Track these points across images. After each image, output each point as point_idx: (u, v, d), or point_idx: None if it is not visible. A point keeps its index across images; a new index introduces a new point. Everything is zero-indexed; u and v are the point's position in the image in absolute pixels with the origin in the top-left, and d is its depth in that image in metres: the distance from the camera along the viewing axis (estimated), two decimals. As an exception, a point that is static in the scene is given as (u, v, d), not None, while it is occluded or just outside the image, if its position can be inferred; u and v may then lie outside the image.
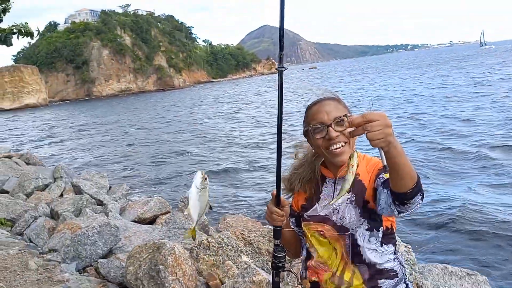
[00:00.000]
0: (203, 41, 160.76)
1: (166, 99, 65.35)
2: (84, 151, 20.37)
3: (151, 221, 7.82)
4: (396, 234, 1.83)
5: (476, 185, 8.71)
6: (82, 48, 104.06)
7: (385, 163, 1.37)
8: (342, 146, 1.69)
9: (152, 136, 23.60)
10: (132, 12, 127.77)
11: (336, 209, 1.74)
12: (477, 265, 5.39)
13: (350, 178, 1.50)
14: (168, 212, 8.02)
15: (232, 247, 4.40)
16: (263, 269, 4.20)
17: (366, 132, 1.31)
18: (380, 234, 1.72)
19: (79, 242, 5.17)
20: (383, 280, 1.72)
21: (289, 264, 1.94)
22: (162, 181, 12.35)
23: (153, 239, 5.73)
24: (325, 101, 1.77)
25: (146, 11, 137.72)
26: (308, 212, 1.83)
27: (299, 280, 1.94)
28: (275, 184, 1.85)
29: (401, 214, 1.51)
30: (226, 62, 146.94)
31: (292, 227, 1.94)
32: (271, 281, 3.79)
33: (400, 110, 21.11)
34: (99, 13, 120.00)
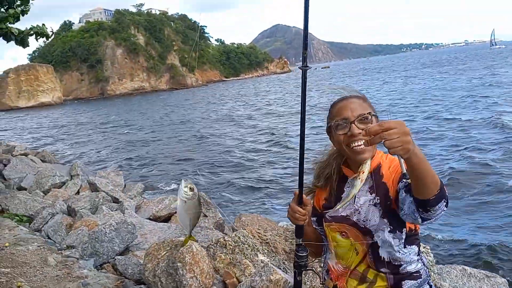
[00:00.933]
0: (215, 40, 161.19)
1: (181, 97, 65.61)
2: (98, 149, 20.58)
3: (166, 219, 7.86)
4: (418, 237, 1.79)
5: (497, 183, 8.64)
6: (96, 47, 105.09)
7: (405, 171, 1.37)
8: (363, 144, 1.67)
9: (166, 135, 23.75)
10: (145, 12, 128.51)
11: (358, 210, 1.73)
12: (496, 266, 5.33)
13: (358, 184, 1.52)
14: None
15: (249, 246, 4.41)
16: (280, 268, 4.21)
17: (383, 140, 1.30)
18: (404, 236, 1.70)
19: (96, 239, 5.24)
20: (406, 281, 1.71)
21: (310, 263, 1.92)
22: (177, 180, 12.42)
23: (169, 237, 5.78)
24: (350, 98, 1.76)
25: (159, 11, 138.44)
26: (330, 212, 1.82)
27: (322, 280, 1.93)
28: (297, 183, 1.84)
29: (425, 222, 1.49)
30: (238, 61, 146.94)
31: (314, 226, 1.93)
32: (288, 280, 3.80)
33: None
34: (113, 12, 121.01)
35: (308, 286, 3.66)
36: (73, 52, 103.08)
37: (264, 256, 4.40)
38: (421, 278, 1.74)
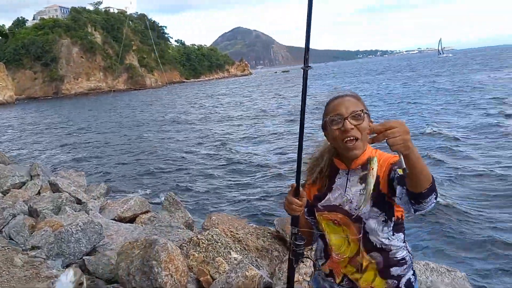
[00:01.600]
0: (175, 41, 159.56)
1: (140, 98, 64.51)
2: (56, 150, 19.95)
3: (131, 220, 7.76)
4: (403, 225, 1.92)
5: (455, 183, 9.11)
6: (51, 45, 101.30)
7: (404, 166, 1.46)
8: (355, 140, 1.78)
9: (126, 136, 23.33)
10: (103, 10, 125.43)
11: (349, 199, 1.84)
12: (457, 262, 5.64)
13: (371, 181, 1.60)
14: (148, 211, 7.98)
15: (222, 244, 4.47)
16: (253, 265, 4.28)
17: (386, 138, 1.41)
18: (392, 224, 1.83)
19: (62, 240, 5.12)
20: (394, 268, 1.84)
21: (307, 252, 2.01)
22: (140, 181, 12.26)
23: (135, 237, 5.73)
24: (345, 97, 1.87)
25: (118, 9, 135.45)
26: (322, 202, 1.92)
27: (317, 267, 2.02)
28: (294, 176, 1.92)
29: (417, 213, 1.61)
30: (199, 63, 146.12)
31: (305, 216, 2.03)
32: (263, 276, 3.89)
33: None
34: (69, 10, 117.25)
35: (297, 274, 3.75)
36: (27, 49, 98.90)
37: (237, 253, 4.47)
38: (407, 264, 1.87)
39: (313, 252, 2.12)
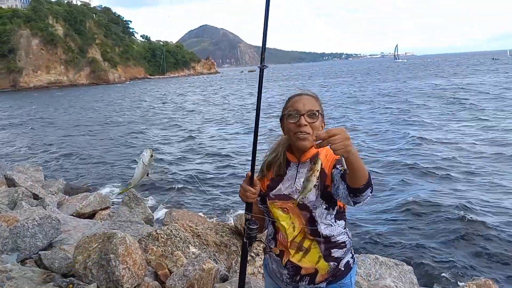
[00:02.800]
0: (141, 36, 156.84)
1: (101, 93, 63.09)
2: (13, 144, 19.29)
3: (90, 216, 7.69)
4: (345, 214, 2.14)
5: (407, 179, 9.57)
6: (9, 35, 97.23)
7: (345, 167, 1.66)
8: (307, 133, 1.98)
9: (88, 131, 22.87)
10: (66, 2, 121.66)
11: (298, 190, 2.02)
12: (404, 256, 5.95)
13: (313, 180, 1.79)
14: (108, 207, 7.93)
15: (181, 239, 4.53)
16: (211, 259, 4.37)
17: (330, 144, 1.59)
18: (334, 212, 2.04)
19: (18, 234, 5.04)
20: (335, 249, 2.05)
21: (259, 235, 2.17)
22: (101, 177, 12.08)
23: (93, 233, 5.71)
24: (305, 95, 2.07)
25: (81, 2, 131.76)
26: (273, 191, 2.11)
27: (268, 249, 2.20)
28: (249, 167, 2.13)
29: (356, 205, 1.81)
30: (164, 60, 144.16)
31: (258, 205, 2.20)
32: (220, 269, 3.99)
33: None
34: (29, 0, 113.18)
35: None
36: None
37: (196, 248, 4.55)
38: (346, 247, 2.10)
39: (264, 237, 2.28)
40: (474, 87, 33.62)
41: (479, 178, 9.55)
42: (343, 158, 1.64)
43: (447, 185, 9.23)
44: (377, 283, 3.87)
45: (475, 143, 13.17)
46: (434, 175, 10.01)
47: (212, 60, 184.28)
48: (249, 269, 3.85)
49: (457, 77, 50.02)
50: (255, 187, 2.06)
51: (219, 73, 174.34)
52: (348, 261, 2.10)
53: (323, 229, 2.02)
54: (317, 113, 1.99)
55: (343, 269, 2.08)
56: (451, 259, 5.89)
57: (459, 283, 5.15)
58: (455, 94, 28.47)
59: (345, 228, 2.11)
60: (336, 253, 2.05)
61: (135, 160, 14.43)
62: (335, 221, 2.05)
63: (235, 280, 3.70)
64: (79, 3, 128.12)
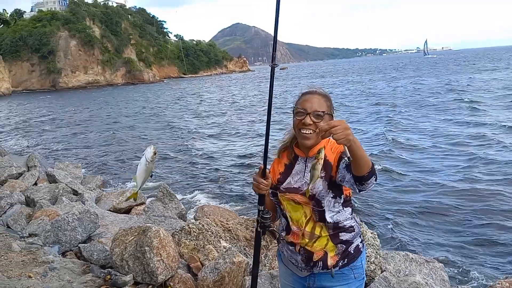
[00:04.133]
0: (174, 36, 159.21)
1: (137, 92, 64.57)
2: (53, 142, 20.08)
3: (127, 211, 7.96)
4: (352, 201, 2.28)
5: (438, 178, 9.40)
6: (48, 37, 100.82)
7: (349, 155, 1.81)
8: (310, 133, 2.11)
9: (125, 129, 23.50)
10: (102, 3, 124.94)
11: (307, 182, 2.14)
12: (435, 254, 5.89)
13: (319, 168, 1.95)
14: (143, 203, 8.19)
15: (212, 233, 4.66)
16: (241, 253, 4.48)
17: (332, 134, 1.75)
18: (341, 201, 2.18)
19: (59, 228, 5.30)
20: (343, 233, 2.19)
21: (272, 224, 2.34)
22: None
23: (130, 227, 5.93)
24: (315, 94, 2.19)
25: (116, 3, 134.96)
26: (284, 184, 2.25)
27: (282, 237, 2.33)
28: (261, 163, 2.27)
29: (361, 192, 1.96)
30: (197, 58, 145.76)
31: (270, 197, 2.33)
32: (250, 262, 4.09)
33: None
34: (67, 2, 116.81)
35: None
36: (24, 41, 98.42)
37: (226, 242, 4.67)
38: (354, 231, 2.23)
39: (276, 227, 2.42)
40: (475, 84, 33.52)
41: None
42: (346, 148, 1.79)
43: (479, 184, 9.01)
44: (406, 279, 3.87)
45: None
46: (466, 175, 9.77)
47: (244, 58, 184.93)
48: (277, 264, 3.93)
49: (474, 73, 48.92)
50: (267, 180, 2.21)
51: (252, 71, 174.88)
52: (357, 245, 2.24)
53: (331, 216, 2.16)
54: (322, 114, 2.11)
55: (353, 252, 2.20)
56: (482, 257, 5.82)
57: (490, 280, 5.06)
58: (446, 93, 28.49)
59: (352, 214, 2.25)
60: (344, 236, 2.19)
61: (165, 155, 14.82)
62: (343, 208, 2.19)
63: (264, 273, 3.79)
64: (115, 5, 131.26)
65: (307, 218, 2.18)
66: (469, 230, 6.71)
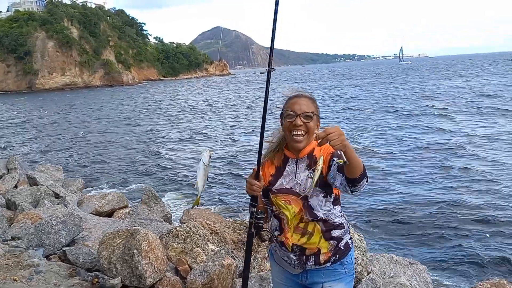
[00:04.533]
0: (154, 38, 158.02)
1: (115, 95, 63.84)
2: (33, 144, 19.72)
3: (109, 214, 7.87)
4: (340, 200, 2.36)
5: (423, 186, 9.62)
6: (25, 38, 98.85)
7: (345, 159, 1.91)
8: (301, 135, 2.21)
9: (105, 131, 23.24)
10: (80, 4, 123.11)
11: (299, 183, 2.25)
12: (419, 256, 6.03)
13: (317, 175, 2.06)
14: (126, 206, 8.10)
15: (200, 236, 4.67)
16: (229, 256, 4.50)
17: (329, 141, 1.84)
18: (331, 199, 2.27)
19: (43, 231, 5.23)
20: (334, 230, 2.29)
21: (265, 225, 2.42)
22: (118, 176, 12.31)
23: (118, 229, 5.88)
24: (302, 97, 2.28)
25: (95, 4, 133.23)
26: (276, 186, 2.32)
27: (274, 237, 2.41)
28: (255, 164, 2.32)
29: (354, 193, 2.05)
30: (177, 61, 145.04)
31: (261, 198, 2.40)
32: (239, 265, 4.12)
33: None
34: (45, 2, 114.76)
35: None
36: (0, 42, 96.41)
37: (214, 245, 4.69)
38: (344, 228, 2.33)
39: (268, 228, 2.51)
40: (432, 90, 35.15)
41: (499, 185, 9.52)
42: (342, 152, 1.90)
43: (464, 186, 9.27)
44: (392, 280, 3.97)
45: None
46: (451, 175, 10.03)
47: (225, 62, 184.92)
48: (267, 266, 3.97)
49: (433, 80, 50.90)
50: (260, 181, 2.28)
51: (233, 74, 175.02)
52: (347, 242, 2.34)
53: (323, 214, 2.25)
54: (312, 115, 2.21)
55: (343, 248, 2.31)
56: (464, 260, 5.97)
57: (473, 282, 5.20)
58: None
59: (341, 212, 2.35)
60: (335, 232, 2.28)
61: (148, 158, 14.71)
62: (333, 207, 2.28)
63: (254, 275, 3.83)
64: (93, 6, 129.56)
65: (300, 217, 2.26)
66: (450, 234, 6.88)
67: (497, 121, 17.81)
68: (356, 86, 50.12)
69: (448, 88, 37.75)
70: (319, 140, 1.87)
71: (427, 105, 25.02)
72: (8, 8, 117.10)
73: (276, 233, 2.37)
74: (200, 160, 2.38)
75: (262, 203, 2.40)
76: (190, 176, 11.86)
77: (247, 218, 6.05)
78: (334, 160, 2.11)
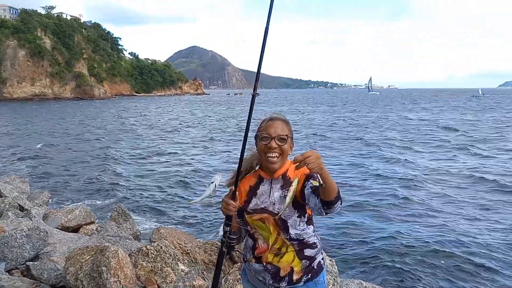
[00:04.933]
0: (129, 53, 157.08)
1: (82, 108, 62.77)
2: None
3: (74, 230, 7.66)
4: (313, 220, 2.40)
5: (393, 212, 9.85)
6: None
7: (321, 182, 1.99)
8: (276, 157, 2.27)
9: (74, 145, 22.74)
10: (56, 15, 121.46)
11: (273, 202, 2.31)
12: (387, 282, 6.12)
13: (291, 195, 2.12)
14: (93, 222, 7.91)
15: (170, 255, 4.61)
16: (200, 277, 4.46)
17: (306, 164, 1.90)
18: (305, 219, 2.33)
19: (5, 244, 5.06)
20: (307, 249, 2.34)
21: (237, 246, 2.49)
22: (85, 191, 12.02)
23: (87, 245, 5.73)
24: (277, 120, 2.35)
25: (71, 16, 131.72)
26: (250, 206, 2.36)
27: (245, 258, 2.46)
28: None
29: (328, 214, 2.10)
30: (151, 78, 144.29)
31: (236, 219, 2.45)
32: (209, 286, 4.07)
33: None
34: (19, 11, 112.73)
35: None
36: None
37: (185, 265, 4.63)
38: (317, 247, 2.38)
39: (242, 248, 2.57)
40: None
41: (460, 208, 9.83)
42: (318, 175, 1.98)
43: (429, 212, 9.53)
44: (360, 306, 4.02)
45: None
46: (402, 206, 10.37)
47: (200, 81, 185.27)
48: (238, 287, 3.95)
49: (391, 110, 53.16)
50: (236, 201, 2.31)
51: (207, 94, 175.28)
52: (319, 261, 2.39)
53: (297, 234, 2.31)
54: (286, 137, 2.28)
55: (316, 267, 2.36)
56: (433, 285, 6.11)
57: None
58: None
59: (314, 232, 2.41)
60: (308, 252, 2.33)
61: (117, 174, 14.47)
62: (307, 226, 2.34)
63: (224, 297, 3.80)
64: (69, 17, 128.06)
65: (274, 236, 2.31)
66: (422, 258, 7.05)
67: (457, 155, 18.38)
68: (322, 112, 51.82)
69: (410, 119, 38.97)
70: (297, 164, 1.92)
71: (387, 136, 25.72)
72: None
73: (248, 255, 2.42)
74: (213, 182, 2.50)
75: (236, 223, 2.43)
76: (157, 195, 11.72)
77: (218, 238, 6.02)
78: (310, 181, 2.17)
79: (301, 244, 2.32)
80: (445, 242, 7.85)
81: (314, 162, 1.90)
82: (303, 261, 2.32)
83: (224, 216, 2.40)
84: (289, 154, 2.33)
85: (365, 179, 13.48)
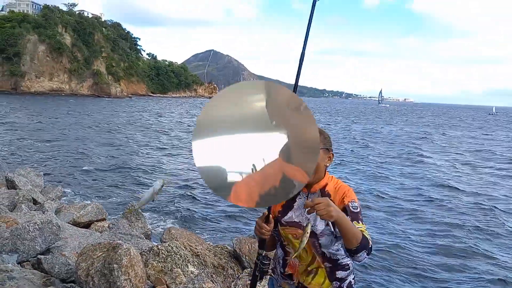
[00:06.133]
0: (147, 54, 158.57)
1: (103, 105, 63.39)
2: (14, 147, 19.28)
3: (86, 225, 7.72)
4: None
5: (393, 223, 9.72)
6: (16, 39, 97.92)
7: (333, 230, 2.05)
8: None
9: (91, 141, 22.93)
10: (77, 12, 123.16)
11: (308, 218, 2.18)
12: None
13: (304, 241, 2.01)
14: (104, 219, 7.96)
15: (181, 256, 4.61)
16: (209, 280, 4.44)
17: (315, 210, 1.90)
18: (340, 240, 2.19)
19: (18, 236, 5.10)
20: (340, 271, 2.26)
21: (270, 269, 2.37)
22: (98, 189, 12.10)
23: (90, 243, 5.75)
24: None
25: (92, 14, 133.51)
26: (285, 218, 2.29)
27: (276, 273, 2.40)
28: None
29: (353, 260, 2.09)
30: (168, 79, 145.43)
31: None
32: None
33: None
34: (41, 6, 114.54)
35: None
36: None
37: (194, 267, 4.62)
38: (350, 269, 2.30)
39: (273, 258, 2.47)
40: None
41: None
42: (330, 223, 2.03)
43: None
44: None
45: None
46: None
47: (215, 85, 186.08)
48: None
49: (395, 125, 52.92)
50: (270, 225, 2.20)
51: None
52: (350, 281, 2.31)
53: (330, 253, 2.23)
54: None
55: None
56: None
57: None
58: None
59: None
60: (340, 274, 2.26)
61: (131, 172, 14.55)
62: (341, 247, 2.24)
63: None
64: (90, 15, 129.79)
65: (307, 254, 2.24)
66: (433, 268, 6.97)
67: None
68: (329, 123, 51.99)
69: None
70: (308, 208, 1.93)
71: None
72: (2, 8, 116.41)
73: (279, 266, 2.37)
74: (152, 186, 2.50)
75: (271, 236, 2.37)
76: (170, 195, 11.75)
77: (228, 243, 6.00)
78: (348, 208, 2.13)
79: (334, 265, 2.24)
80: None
81: (323, 209, 1.89)
82: (334, 282, 2.25)
83: (257, 239, 2.32)
84: (326, 166, 2.25)
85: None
